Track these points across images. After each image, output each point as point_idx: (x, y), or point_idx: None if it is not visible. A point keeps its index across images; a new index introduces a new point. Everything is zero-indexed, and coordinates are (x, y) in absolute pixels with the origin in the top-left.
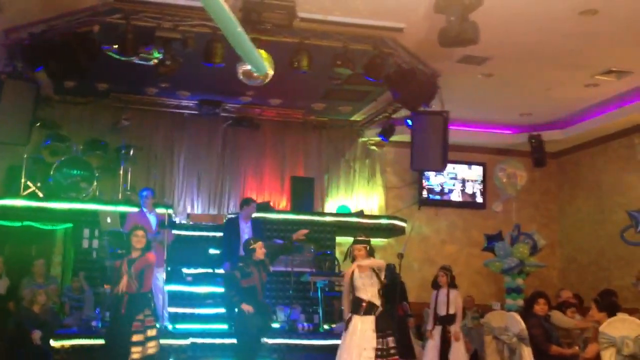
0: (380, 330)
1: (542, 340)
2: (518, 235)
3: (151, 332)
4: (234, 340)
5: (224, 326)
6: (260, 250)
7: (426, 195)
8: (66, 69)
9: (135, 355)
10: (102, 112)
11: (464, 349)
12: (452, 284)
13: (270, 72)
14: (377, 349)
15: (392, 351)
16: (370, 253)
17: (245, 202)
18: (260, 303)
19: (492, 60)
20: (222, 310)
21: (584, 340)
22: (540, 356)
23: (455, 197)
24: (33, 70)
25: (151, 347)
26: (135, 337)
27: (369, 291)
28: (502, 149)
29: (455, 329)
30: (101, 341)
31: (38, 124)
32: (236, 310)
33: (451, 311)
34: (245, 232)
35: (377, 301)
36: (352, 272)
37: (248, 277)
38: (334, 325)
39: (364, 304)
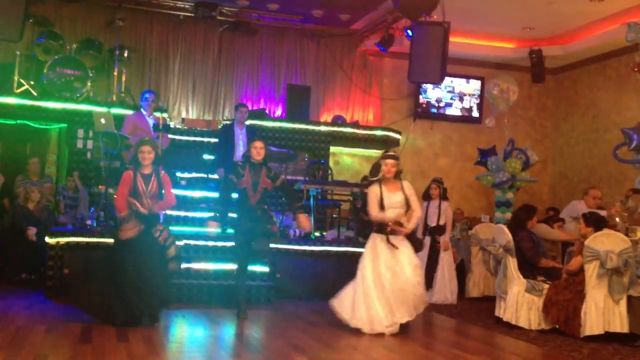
0: (417, 249)
1: (532, 253)
2: (511, 151)
3: (170, 241)
4: (226, 243)
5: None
6: (255, 151)
7: (422, 108)
8: None
9: (170, 253)
10: (96, 10)
11: (452, 259)
12: (443, 196)
13: None
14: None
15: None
16: (397, 174)
17: (235, 107)
18: (250, 207)
19: None
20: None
21: (569, 253)
22: (525, 267)
23: (454, 111)
24: None
25: (175, 246)
26: (165, 242)
27: (395, 211)
28: (502, 63)
29: (444, 239)
30: (95, 239)
31: (31, 21)
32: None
33: (441, 222)
34: (240, 138)
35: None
36: (381, 192)
37: (240, 177)
38: (324, 233)
39: (389, 224)
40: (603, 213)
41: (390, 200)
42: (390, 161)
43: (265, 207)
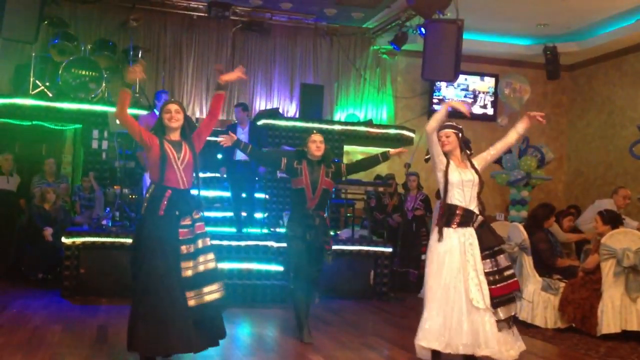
0: (488, 247)
1: (549, 255)
2: (526, 148)
3: (204, 242)
4: (240, 243)
5: (232, 229)
6: (314, 145)
7: (436, 106)
8: None
9: (187, 272)
10: (110, 11)
11: None
12: None
13: None
14: (488, 273)
15: (506, 272)
16: (466, 145)
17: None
18: (307, 212)
19: None
20: (229, 214)
21: (585, 252)
22: (541, 266)
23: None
24: None
25: (209, 261)
26: (185, 248)
27: (466, 194)
28: (516, 60)
29: None
30: (111, 239)
31: (46, 22)
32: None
33: None
34: (242, 138)
35: (476, 208)
36: (447, 165)
37: (294, 175)
38: (339, 232)
39: (458, 212)
40: (635, 224)
41: (462, 178)
42: (444, 131)
43: (324, 216)
